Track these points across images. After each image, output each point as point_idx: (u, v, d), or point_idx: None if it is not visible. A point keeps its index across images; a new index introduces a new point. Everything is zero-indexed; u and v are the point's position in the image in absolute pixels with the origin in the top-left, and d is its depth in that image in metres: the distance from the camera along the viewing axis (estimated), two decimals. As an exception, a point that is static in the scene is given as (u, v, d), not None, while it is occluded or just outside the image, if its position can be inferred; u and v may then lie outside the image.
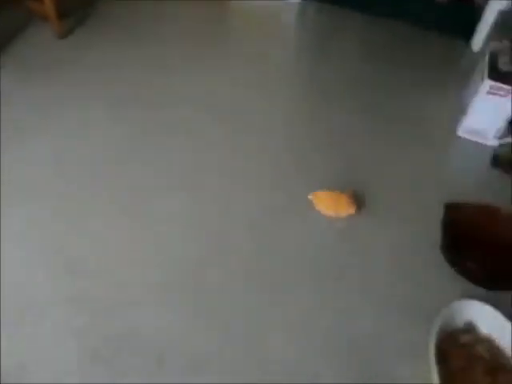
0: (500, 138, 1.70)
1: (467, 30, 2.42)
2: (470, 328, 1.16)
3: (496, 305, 1.16)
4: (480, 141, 1.82)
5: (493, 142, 1.77)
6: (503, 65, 1.83)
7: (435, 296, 1.25)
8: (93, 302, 1.14)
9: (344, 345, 1.12)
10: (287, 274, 1.26)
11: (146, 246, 1.29)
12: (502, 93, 1.69)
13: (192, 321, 1.13)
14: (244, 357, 1.07)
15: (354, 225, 1.43)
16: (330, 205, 1.41)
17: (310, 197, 1.43)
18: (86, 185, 1.44)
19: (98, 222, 1.34)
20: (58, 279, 1.18)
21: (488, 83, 1.70)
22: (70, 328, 1.08)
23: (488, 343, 1.13)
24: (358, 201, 1.46)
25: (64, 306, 1.12)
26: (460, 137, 1.85)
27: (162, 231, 1.33)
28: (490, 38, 2.03)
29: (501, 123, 1.70)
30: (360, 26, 2.50)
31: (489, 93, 1.71)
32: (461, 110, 1.91)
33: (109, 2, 2.32)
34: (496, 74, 1.75)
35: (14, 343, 1.04)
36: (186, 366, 1.04)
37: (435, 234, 1.37)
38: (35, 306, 1.12)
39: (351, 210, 1.40)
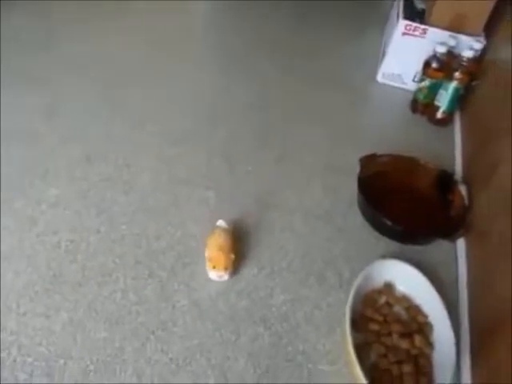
0: (419, 81, 1.62)
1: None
2: (387, 288, 1.10)
3: (418, 263, 1.12)
4: (399, 85, 1.74)
5: (412, 86, 1.70)
6: (419, 2, 1.73)
7: (355, 257, 1.18)
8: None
9: (256, 318, 1.04)
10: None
11: (28, 241, 1.13)
12: (417, 33, 1.60)
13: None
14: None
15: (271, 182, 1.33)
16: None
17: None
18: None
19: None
20: None
21: (403, 23, 1.60)
22: None
23: (406, 302, 1.08)
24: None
25: None
26: (380, 83, 1.76)
27: (48, 220, 1.17)
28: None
29: (418, 65, 1.62)
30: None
31: (404, 33, 1.61)
32: (380, 55, 1.83)
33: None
34: (411, 13, 1.66)
35: None
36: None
37: (354, 189, 1.30)
38: None
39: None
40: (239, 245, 1.14)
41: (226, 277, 1.07)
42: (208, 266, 1.06)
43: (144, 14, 1.96)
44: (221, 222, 1.12)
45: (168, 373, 0.94)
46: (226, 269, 1.05)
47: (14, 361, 0.92)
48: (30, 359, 0.92)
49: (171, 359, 0.96)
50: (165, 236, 1.16)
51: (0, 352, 0.92)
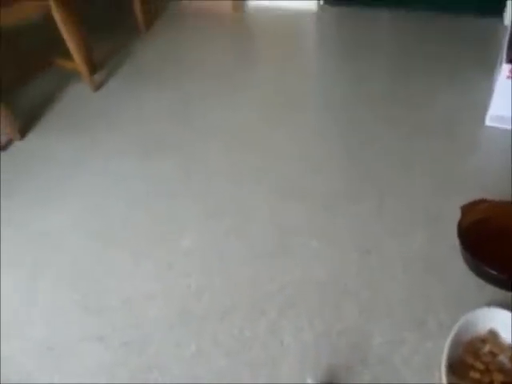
0: (529, 122, 1.59)
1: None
2: (492, 336, 1.11)
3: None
4: (510, 127, 1.71)
5: (523, 128, 1.66)
6: (524, 44, 1.71)
7: (457, 305, 1.20)
8: (118, 337, 1.24)
9: (356, 359, 1.13)
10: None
11: (166, 283, 1.37)
12: (523, 75, 1.58)
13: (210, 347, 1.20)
14: None
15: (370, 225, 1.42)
16: None
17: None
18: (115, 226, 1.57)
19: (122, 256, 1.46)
20: (84, 317, 1.30)
21: (507, 67, 1.60)
22: (99, 363, 1.19)
23: (511, 352, 1.07)
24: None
25: (92, 342, 1.24)
26: (488, 126, 1.75)
27: (182, 265, 1.42)
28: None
29: (528, 106, 1.59)
30: (386, 22, 2.46)
31: (509, 77, 1.61)
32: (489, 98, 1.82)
33: (137, 52, 2.49)
34: (515, 55, 1.65)
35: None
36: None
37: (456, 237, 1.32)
38: (64, 343, 1.24)
39: None
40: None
41: None
42: None
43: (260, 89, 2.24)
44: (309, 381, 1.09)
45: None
46: None
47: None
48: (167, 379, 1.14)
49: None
50: (276, 280, 1.33)
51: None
